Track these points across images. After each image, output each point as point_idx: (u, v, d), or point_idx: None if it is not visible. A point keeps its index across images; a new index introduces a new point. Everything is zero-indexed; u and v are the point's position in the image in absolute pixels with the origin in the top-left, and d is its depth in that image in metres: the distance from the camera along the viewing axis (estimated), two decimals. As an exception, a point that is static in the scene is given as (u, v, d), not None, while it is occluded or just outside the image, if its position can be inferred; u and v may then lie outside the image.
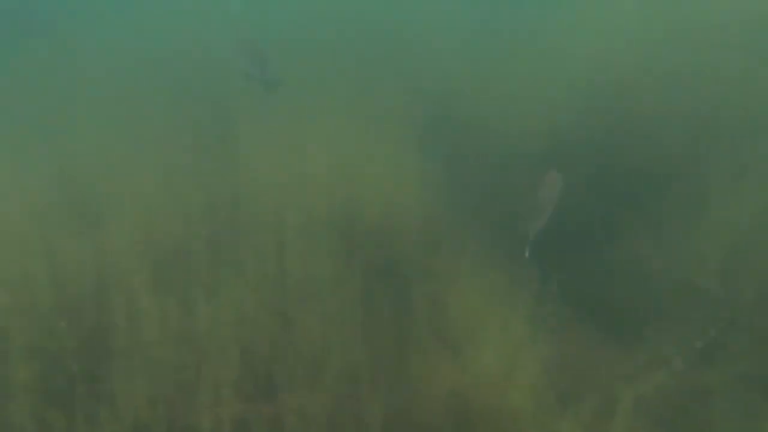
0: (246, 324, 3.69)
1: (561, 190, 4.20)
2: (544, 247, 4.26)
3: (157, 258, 3.84)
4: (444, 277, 4.16)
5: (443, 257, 4.33)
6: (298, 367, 3.60)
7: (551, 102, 5.47)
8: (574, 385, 3.21)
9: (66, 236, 3.82)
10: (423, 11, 6.90)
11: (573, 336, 3.58)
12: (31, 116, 5.22)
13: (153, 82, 5.74)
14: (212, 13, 6.93)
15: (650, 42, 5.29)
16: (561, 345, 3.43)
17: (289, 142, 4.85)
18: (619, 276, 4.00)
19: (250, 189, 4.49)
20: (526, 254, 4.08)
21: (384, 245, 4.38)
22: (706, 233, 3.91)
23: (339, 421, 3.34)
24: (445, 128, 5.47)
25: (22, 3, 7.50)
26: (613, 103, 5.11)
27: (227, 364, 3.49)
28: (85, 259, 3.73)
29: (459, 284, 4.09)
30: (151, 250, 3.89)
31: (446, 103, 5.70)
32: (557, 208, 4.29)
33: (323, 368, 3.62)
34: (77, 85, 5.66)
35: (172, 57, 6.17)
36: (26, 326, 3.30)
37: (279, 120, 5.08)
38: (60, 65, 6.04)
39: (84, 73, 5.85)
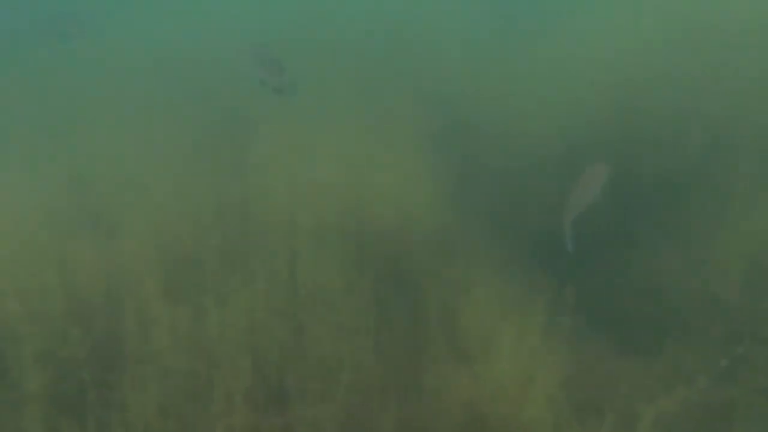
0: (257, 332, 3.66)
1: (606, 183, 4.05)
2: (560, 257, 4.19)
3: (168, 264, 3.82)
4: (457, 284, 4.11)
5: (456, 265, 4.28)
6: (309, 377, 3.56)
7: (566, 106, 5.40)
8: (592, 398, 3.14)
9: (77, 242, 3.82)
10: (436, 14, 6.87)
11: (590, 348, 3.50)
12: (44, 122, 5.24)
13: (165, 87, 5.75)
14: (224, 17, 6.94)
15: (669, 44, 5.20)
16: (578, 357, 3.36)
17: (300, 147, 4.83)
18: (637, 287, 3.92)
19: (260, 195, 4.47)
20: (569, 248, 3.97)
21: (396, 252, 4.34)
22: (727, 243, 3.82)
23: (351, 432, 3.30)
24: (458, 132, 5.42)
25: (35, 10, 7.58)
26: (630, 108, 5.03)
27: (238, 373, 3.46)
28: (96, 266, 3.73)
29: (472, 292, 4.04)
30: (162, 256, 3.88)
31: (459, 106, 5.65)
32: (576, 218, 4.21)
33: (335, 378, 3.58)
34: (90, 90, 5.69)
35: (184, 62, 6.19)
36: (38, 333, 3.29)
37: (290, 125, 5.06)
38: (74, 71, 6.07)
39: (97, 78, 5.87)
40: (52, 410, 3.11)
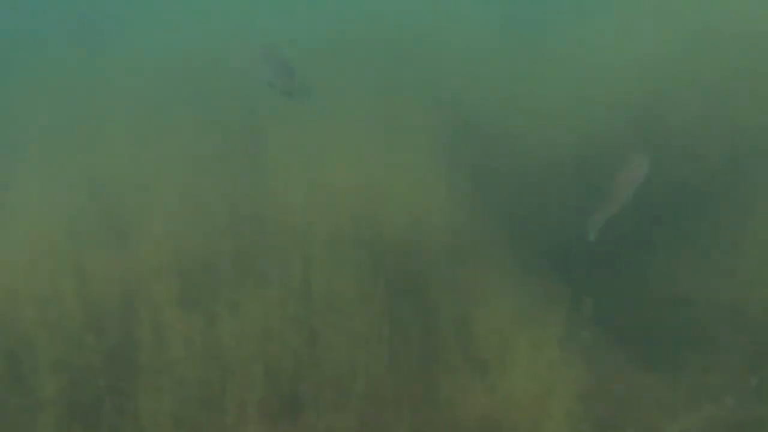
0: (271, 340, 3.65)
1: (645, 175, 3.92)
2: (578, 266, 4.11)
3: (182, 271, 3.82)
4: (472, 294, 4.05)
5: (471, 273, 4.22)
6: (323, 386, 3.54)
7: (583, 112, 5.31)
8: (612, 414, 3.06)
9: (93, 249, 3.84)
10: (449, 19, 6.82)
11: (610, 362, 3.42)
12: (61, 128, 5.29)
13: (179, 92, 5.77)
14: (241, 20, 6.96)
15: (690, 51, 5.09)
16: (597, 371, 3.28)
17: (314, 153, 4.81)
18: (660, 298, 3.83)
19: (274, 202, 4.46)
20: (592, 237, 3.87)
21: (410, 260, 4.30)
22: (753, 253, 3.71)
23: (364, 443, 3.26)
24: (473, 138, 5.36)
25: (47, 18, 7.69)
26: (649, 115, 4.93)
27: (252, 382, 3.45)
28: (111, 272, 3.74)
29: (487, 302, 3.98)
30: (176, 263, 3.88)
31: (473, 111, 5.59)
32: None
33: (348, 387, 3.55)
34: (105, 96, 5.73)
35: (198, 67, 6.21)
36: (53, 340, 3.31)
37: (303, 131, 5.05)
38: (87, 77, 6.13)
39: (113, 83, 5.92)
40: (67, 418, 3.12)
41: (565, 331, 3.59)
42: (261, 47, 4.98)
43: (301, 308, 3.82)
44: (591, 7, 6.28)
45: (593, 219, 3.92)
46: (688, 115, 4.75)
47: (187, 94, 5.75)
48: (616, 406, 3.13)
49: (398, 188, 4.68)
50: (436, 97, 5.58)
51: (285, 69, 4.78)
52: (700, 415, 2.75)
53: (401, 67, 6.08)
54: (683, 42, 5.30)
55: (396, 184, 4.71)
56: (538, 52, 6.04)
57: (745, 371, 3.14)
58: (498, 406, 3.31)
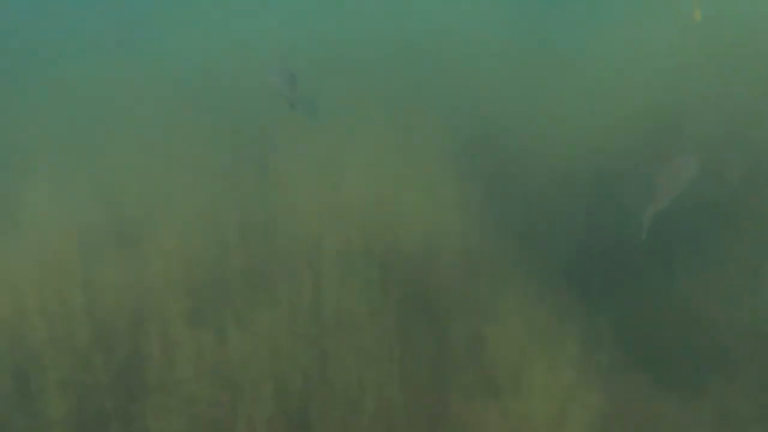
0: (281, 358, 3.59)
1: (692, 177, 3.82)
2: (595, 284, 4.01)
3: (192, 287, 3.79)
4: (485, 311, 3.97)
5: (484, 290, 4.14)
6: (333, 405, 3.47)
7: (601, 124, 5.21)
8: (632, 441, 2.96)
9: (103, 264, 3.81)
10: (465, 31, 6.75)
11: (628, 385, 3.31)
12: (72, 141, 5.30)
13: (191, 106, 5.76)
14: (254, 35, 6.95)
15: (712, 65, 4.98)
16: (615, 394, 3.18)
17: (325, 167, 4.77)
18: (679, 318, 3.71)
19: (285, 216, 4.41)
20: (643, 236, 3.79)
21: (422, 276, 4.22)
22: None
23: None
24: (488, 151, 5.28)
25: (58, 30, 7.74)
26: (668, 130, 4.82)
27: (261, 400, 3.39)
28: (120, 289, 3.71)
29: (501, 320, 3.89)
30: (186, 279, 3.84)
31: (487, 126, 5.51)
32: (608, 243, 4.03)
33: (359, 407, 3.48)
34: (118, 108, 5.74)
35: (212, 79, 6.21)
36: (62, 358, 3.28)
37: (315, 145, 5.00)
38: (99, 90, 6.15)
39: (125, 96, 5.92)
40: (75, 437, 3.08)
41: (582, 351, 3.50)
42: (274, 59, 4.96)
43: (311, 325, 3.76)
44: (613, 18, 6.18)
45: (642, 218, 3.84)
46: (710, 130, 4.63)
47: (201, 108, 5.74)
48: (635, 431, 3.03)
49: (410, 202, 4.62)
50: (449, 109, 5.51)
51: (290, 79, 4.76)
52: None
53: (414, 79, 6.02)
54: (707, 56, 5.19)
55: (408, 197, 4.65)
56: (556, 63, 5.95)
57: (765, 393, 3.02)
58: (512, 429, 3.23)
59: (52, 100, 6.04)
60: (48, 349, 3.29)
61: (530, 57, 6.24)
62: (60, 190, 4.38)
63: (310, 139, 5.04)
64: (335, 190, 4.60)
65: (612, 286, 4.05)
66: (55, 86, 6.25)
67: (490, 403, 3.43)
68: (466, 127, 5.42)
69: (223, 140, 5.22)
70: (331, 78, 5.52)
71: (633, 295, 3.95)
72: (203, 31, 7.06)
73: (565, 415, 3.17)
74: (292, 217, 4.44)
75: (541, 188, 5.00)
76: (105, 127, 5.45)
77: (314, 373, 3.58)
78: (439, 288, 4.11)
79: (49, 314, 3.46)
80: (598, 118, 5.28)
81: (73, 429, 3.08)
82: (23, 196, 4.33)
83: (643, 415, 3.16)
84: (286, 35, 6.86)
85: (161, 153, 5.03)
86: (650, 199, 3.85)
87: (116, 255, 4.00)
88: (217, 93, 5.93)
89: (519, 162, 5.14)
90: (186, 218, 4.26)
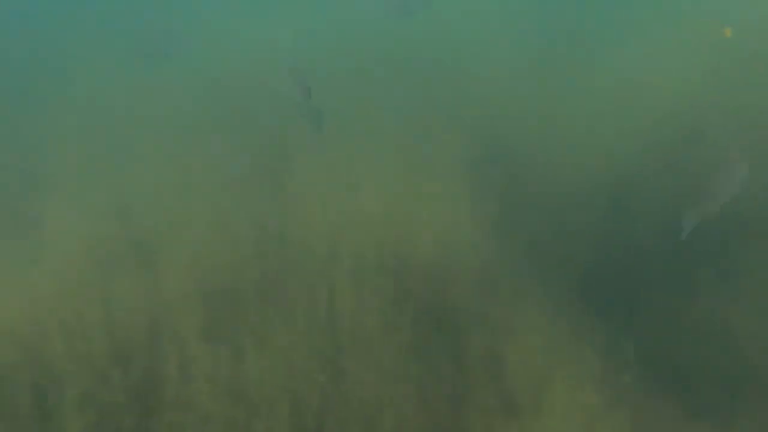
0: (296, 375, 3.57)
1: (744, 180, 3.73)
2: (616, 300, 3.93)
3: (208, 303, 3.78)
4: (502, 327, 3.91)
5: (501, 305, 4.08)
6: (349, 423, 3.43)
7: (617, 136, 5.13)
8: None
9: (120, 279, 3.83)
10: (477, 42, 6.72)
11: (652, 408, 3.23)
12: (91, 156, 5.35)
13: (209, 120, 5.80)
14: (268, 45, 6.99)
15: (736, 79, 4.88)
16: (638, 418, 3.09)
17: (338, 180, 4.76)
18: (704, 340, 3.61)
19: (299, 230, 4.40)
20: (683, 237, 3.69)
21: (437, 291, 4.18)
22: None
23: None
24: (502, 164, 5.23)
25: (82, 44, 7.84)
26: (687, 142, 4.73)
27: (277, 418, 3.36)
28: (137, 304, 3.72)
29: (518, 336, 3.83)
30: (203, 294, 3.84)
31: (502, 138, 5.47)
32: (628, 257, 3.95)
33: (375, 425, 3.44)
34: (135, 124, 5.79)
35: (227, 94, 6.24)
36: (79, 374, 3.28)
37: (328, 158, 5.00)
38: (119, 105, 6.21)
39: (142, 112, 5.98)
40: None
41: (603, 371, 3.42)
42: (289, 69, 4.98)
43: (326, 342, 3.73)
44: (630, 29, 6.11)
45: (688, 219, 3.74)
46: (729, 144, 4.53)
47: (218, 121, 5.77)
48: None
49: (424, 215, 4.58)
50: (463, 121, 5.48)
51: (306, 92, 4.77)
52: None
53: (428, 91, 6.00)
54: (729, 69, 5.09)
55: (422, 210, 4.61)
56: (571, 73, 5.89)
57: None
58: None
59: (73, 114, 6.12)
60: (65, 364, 3.30)
61: (546, 68, 6.18)
62: (78, 204, 4.42)
63: (324, 152, 5.04)
64: (349, 203, 4.58)
65: (634, 301, 3.96)
66: (75, 101, 6.33)
67: (508, 422, 3.37)
68: (480, 139, 5.37)
69: (239, 153, 5.24)
70: (345, 90, 5.52)
71: (657, 312, 3.86)
72: (225, 45, 7.11)
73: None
74: (306, 231, 4.43)
75: (557, 202, 4.94)
76: (123, 141, 5.50)
77: (330, 390, 3.55)
78: (455, 303, 4.06)
79: (66, 329, 3.47)
80: (616, 129, 5.21)
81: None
82: (42, 211, 4.38)
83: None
84: (301, 47, 6.89)
85: (178, 166, 5.06)
86: (698, 205, 3.73)
87: (133, 270, 4.02)
88: (234, 106, 5.96)
89: (535, 175, 5.08)
90: (202, 233, 4.27)
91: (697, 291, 3.87)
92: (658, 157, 4.85)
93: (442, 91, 5.98)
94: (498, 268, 4.38)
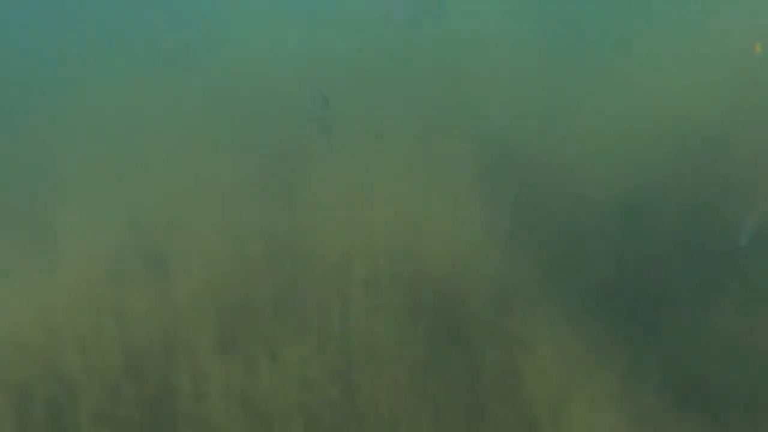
0: (309, 389, 3.52)
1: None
2: (636, 314, 3.84)
3: (221, 317, 3.77)
4: (517, 341, 3.84)
5: (515, 318, 4.01)
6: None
7: (632, 145, 5.05)
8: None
9: (133, 291, 3.83)
10: (490, 51, 6.68)
11: (677, 424, 3.13)
12: (105, 167, 5.38)
13: (224, 132, 5.81)
14: (282, 58, 7.01)
15: (750, 85, 4.78)
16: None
17: (351, 191, 4.73)
18: (730, 356, 3.51)
19: (312, 241, 4.38)
20: (743, 243, 3.60)
21: (451, 303, 4.12)
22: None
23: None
24: (516, 174, 5.17)
25: (78, 50, 7.91)
26: (708, 150, 4.63)
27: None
28: (151, 316, 3.71)
29: (535, 350, 3.76)
30: (216, 307, 3.83)
31: (517, 146, 5.41)
32: (647, 268, 3.86)
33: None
34: (147, 136, 5.82)
35: (239, 101, 6.26)
36: (93, 388, 3.28)
37: (340, 168, 4.98)
38: (126, 110, 6.25)
39: (154, 123, 6.01)
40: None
41: (624, 387, 3.33)
42: (303, 79, 4.97)
43: (340, 356, 3.69)
44: (647, 36, 6.03)
45: (745, 226, 3.64)
46: (748, 153, 4.43)
47: (230, 129, 5.79)
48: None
49: (438, 224, 4.53)
50: (476, 130, 5.43)
51: (323, 102, 4.77)
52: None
53: (440, 99, 5.96)
54: (750, 71, 4.99)
55: (435, 219, 4.57)
56: (586, 80, 5.82)
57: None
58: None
59: (88, 123, 6.17)
60: (81, 379, 3.30)
61: (559, 75, 6.12)
62: (92, 215, 4.43)
63: (337, 162, 5.02)
64: (362, 214, 4.55)
65: (654, 314, 3.87)
66: (90, 110, 6.39)
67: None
68: (493, 148, 5.32)
69: (252, 163, 5.24)
70: (356, 99, 5.50)
71: (678, 325, 3.76)
72: (241, 55, 7.14)
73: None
74: (318, 242, 4.40)
75: (573, 209, 4.86)
76: (137, 151, 5.53)
77: (344, 405, 3.51)
78: (470, 316, 4.00)
79: (80, 342, 3.47)
80: (633, 136, 5.13)
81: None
82: (57, 222, 4.40)
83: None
84: (315, 57, 6.89)
85: (191, 176, 5.06)
86: (755, 210, 3.62)
87: (146, 282, 4.02)
88: (248, 116, 5.97)
89: (550, 184, 5.02)
90: (215, 243, 4.26)
91: (719, 303, 3.77)
92: (677, 165, 4.76)
93: (454, 99, 5.94)
94: (513, 279, 4.32)
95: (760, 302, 3.70)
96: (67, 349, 3.49)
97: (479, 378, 3.68)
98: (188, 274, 4.11)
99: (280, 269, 4.30)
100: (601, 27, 6.89)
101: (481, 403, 3.53)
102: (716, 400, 3.29)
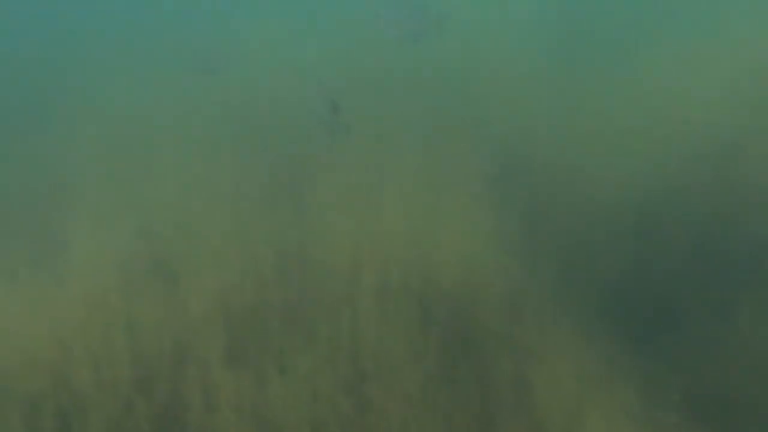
0: (320, 402, 3.49)
1: None
2: (652, 324, 3.77)
3: (231, 328, 3.75)
4: (530, 353, 3.78)
5: (528, 329, 3.95)
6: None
7: (644, 151, 4.98)
8: None
9: (144, 303, 3.82)
10: (500, 58, 6.65)
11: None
12: (115, 177, 5.41)
13: (231, 136, 5.82)
14: (292, 65, 7.04)
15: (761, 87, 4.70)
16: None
17: (361, 200, 4.71)
18: (751, 370, 3.43)
19: (322, 251, 4.36)
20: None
21: (462, 314, 4.07)
22: None
23: None
24: (528, 180, 5.12)
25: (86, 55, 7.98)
26: (724, 157, 4.56)
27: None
28: (161, 328, 3.70)
29: (547, 362, 3.70)
30: (224, 318, 3.81)
31: (528, 152, 5.36)
32: (662, 278, 3.79)
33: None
34: (158, 146, 5.84)
35: (250, 110, 6.28)
36: (105, 402, 3.26)
37: (350, 178, 4.96)
38: (135, 121, 6.29)
39: (165, 133, 6.04)
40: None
41: (640, 401, 3.26)
42: (314, 84, 4.97)
43: (350, 368, 3.65)
44: (662, 37, 5.96)
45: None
46: (760, 159, 4.35)
47: (241, 138, 5.80)
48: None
49: (449, 234, 4.49)
50: (486, 137, 5.39)
51: (333, 108, 4.76)
52: None
53: (450, 107, 5.94)
54: (751, 76, 4.92)
55: (446, 229, 4.53)
56: (596, 87, 5.77)
57: None
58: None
59: (97, 135, 6.21)
60: (92, 392, 3.29)
61: (569, 82, 6.07)
62: (103, 226, 4.44)
63: (347, 171, 5.00)
64: (372, 223, 4.53)
65: (670, 325, 3.80)
66: (100, 120, 6.44)
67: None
68: (503, 156, 5.28)
69: (262, 172, 5.24)
70: (366, 108, 5.49)
71: (696, 338, 3.68)
72: (254, 66, 7.17)
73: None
74: (328, 251, 4.38)
75: (586, 218, 4.80)
76: (148, 159, 5.55)
77: (355, 418, 3.47)
78: (482, 327, 3.96)
79: (92, 356, 3.47)
80: (645, 143, 5.06)
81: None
82: (67, 233, 4.41)
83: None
84: (326, 66, 6.91)
85: (198, 184, 5.07)
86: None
87: (156, 293, 4.02)
88: (259, 125, 5.98)
89: (562, 190, 4.96)
90: (225, 254, 4.25)
91: (741, 315, 3.69)
92: (693, 172, 4.69)
93: (464, 106, 5.91)
94: (525, 289, 4.26)
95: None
96: (77, 361, 3.49)
97: (491, 390, 3.63)
98: (198, 284, 4.11)
99: (289, 279, 4.28)
100: (612, 30, 6.83)
101: (492, 416, 3.47)
102: (738, 416, 3.21)
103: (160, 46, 8.10)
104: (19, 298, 3.86)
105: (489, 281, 4.28)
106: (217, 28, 8.47)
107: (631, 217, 4.70)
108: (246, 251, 4.43)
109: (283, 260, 4.42)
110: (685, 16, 6.46)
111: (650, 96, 5.45)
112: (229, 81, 6.86)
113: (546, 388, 3.56)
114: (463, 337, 3.95)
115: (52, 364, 3.47)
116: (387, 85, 6.20)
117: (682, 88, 5.34)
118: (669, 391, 3.21)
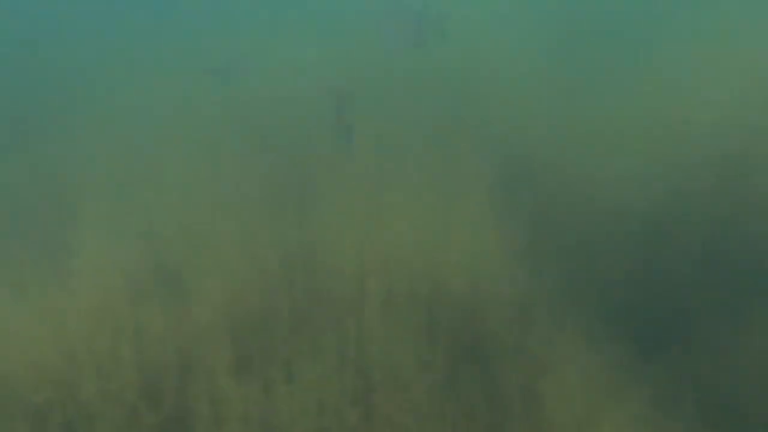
0: (327, 413, 3.47)
1: None
2: (663, 333, 3.73)
3: (236, 336, 3.73)
4: (541, 363, 3.75)
5: (537, 338, 3.92)
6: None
7: (653, 158, 4.94)
8: None
9: (150, 313, 3.81)
10: (507, 64, 6.62)
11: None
12: (118, 182, 5.40)
13: (238, 141, 5.82)
14: (299, 70, 7.02)
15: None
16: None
17: (368, 208, 4.68)
18: (760, 377, 3.38)
19: (328, 258, 4.33)
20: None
21: (470, 322, 4.05)
22: None
23: None
24: (532, 188, 5.09)
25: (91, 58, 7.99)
26: (734, 164, 4.51)
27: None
28: (167, 338, 3.69)
29: (557, 372, 3.66)
30: (230, 327, 3.79)
31: (532, 160, 5.33)
32: (672, 286, 3.75)
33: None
34: (163, 151, 5.84)
35: (258, 116, 6.27)
36: (111, 412, 3.25)
37: (357, 185, 4.94)
38: (142, 127, 6.29)
39: (171, 139, 6.04)
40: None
41: (654, 413, 3.22)
42: (322, 88, 4.96)
43: (357, 377, 3.63)
44: (670, 43, 5.92)
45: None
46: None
47: (247, 144, 5.79)
48: None
49: (456, 241, 4.47)
50: (493, 144, 5.36)
51: (341, 110, 4.74)
52: None
53: (456, 113, 5.91)
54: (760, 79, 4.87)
55: (453, 236, 4.50)
56: (603, 92, 5.73)
57: None
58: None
59: (103, 141, 6.22)
60: (98, 401, 3.27)
61: (577, 87, 6.04)
62: (109, 233, 4.44)
63: (354, 178, 4.98)
64: (379, 231, 4.50)
65: (681, 335, 3.75)
66: (105, 127, 6.45)
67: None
68: (511, 162, 5.25)
69: (269, 180, 5.22)
70: (375, 116, 5.47)
71: (707, 349, 3.64)
72: (261, 70, 7.15)
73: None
74: (334, 259, 4.36)
75: (594, 225, 4.77)
76: (153, 167, 5.55)
77: (361, 429, 3.44)
78: (489, 336, 3.92)
79: (99, 365, 3.46)
80: (654, 150, 5.02)
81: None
82: (73, 240, 4.41)
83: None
84: (334, 72, 6.89)
85: (204, 191, 5.06)
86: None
87: (162, 302, 4.00)
88: (266, 131, 5.97)
89: (570, 198, 4.93)
90: (231, 261, 4.23)
91: (751, 322, 3.64)
92: (698, 175, 4.65)
93: (471, 112, 5.89)
94: (533, 298, 4.23)
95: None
96: (84, 371, 3.47)
97: (499, 400, 3.59)
98: (205, 293, 4.09)
99: (296, 287, 4.26)
100: (613, 30, 6.80)
101: (501, 426, 3.44)
102: (751, 426, 3.16)
103: (165, 50, 8.11)
104: (25, 307, 3.86)
105: (497, 290, 4.25)
106: (221, 33, 8.48)
107: (639, 221, 4.66)
108: (252, 258, 4.41)
109: (290, 267, 4.40)
110: (687, 15, 6.41)
111: (652, 96, 5.40)
112: (235, 85, 6.86)
113: (555, 397, 3.53)
114: (470, 345, 3.92)
115: (58, 374, 3.46)
116: (390, 87, 6.18)
117: (684, 89, 5.30)
118: (680, 401, 3.17)
